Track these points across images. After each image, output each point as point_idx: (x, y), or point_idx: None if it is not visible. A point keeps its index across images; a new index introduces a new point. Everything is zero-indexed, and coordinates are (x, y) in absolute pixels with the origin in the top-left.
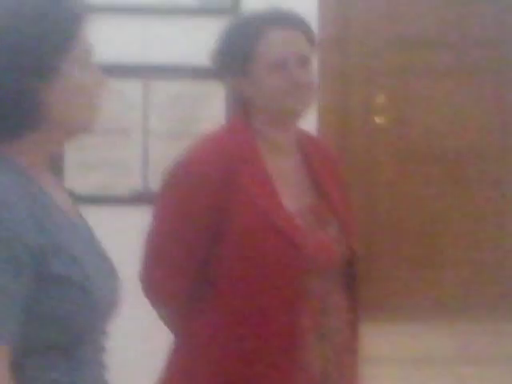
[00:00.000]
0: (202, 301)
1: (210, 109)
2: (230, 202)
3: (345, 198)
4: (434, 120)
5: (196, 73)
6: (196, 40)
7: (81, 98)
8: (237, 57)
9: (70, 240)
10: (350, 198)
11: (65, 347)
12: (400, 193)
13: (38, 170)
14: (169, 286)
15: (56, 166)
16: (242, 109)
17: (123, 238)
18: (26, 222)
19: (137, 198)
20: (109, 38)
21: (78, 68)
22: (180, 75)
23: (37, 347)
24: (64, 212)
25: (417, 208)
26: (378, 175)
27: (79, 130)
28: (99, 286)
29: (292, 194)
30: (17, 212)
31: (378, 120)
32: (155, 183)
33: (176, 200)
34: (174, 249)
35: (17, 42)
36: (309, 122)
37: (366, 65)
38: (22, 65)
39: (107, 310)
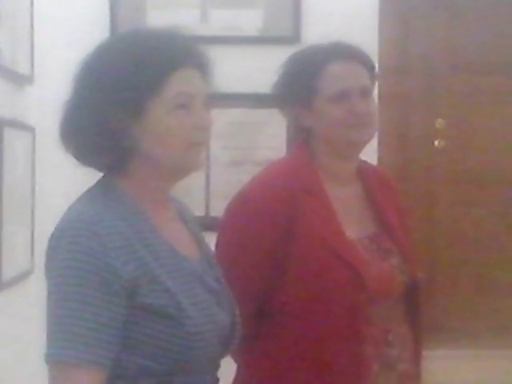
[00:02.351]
0: (262, 334)
1: (271, 136)
2: (292, 233)
3: (405, 226)
4: (494, 144)
5: (256, 100)
6: (256, 68)
7: (169, 140)
8: (299, 90)
9: (167, 272)
10: (410, 224)
11: (157, 375)
12: (460, 217)
13: (152, 203)
14: None
15: None
16: (304, 139)
17: None
18: (118, 253)
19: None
20: None
21: (167, 111)
22: (240, 103)
23: (128, 373)
24: (168, 244)
25: (476, 232)
26: (438, 199)
27: (177, 169)
28: (197, 318)
29: (353, 224)
30: (108, 242)
31: (438, 144)
32: (217, 210)
33: (239, 232)
34: (236, 281)
35: (111, 81)
36: (370, 148)
37: (426, 91)
38: (114, 101)
39: (209, 342)
